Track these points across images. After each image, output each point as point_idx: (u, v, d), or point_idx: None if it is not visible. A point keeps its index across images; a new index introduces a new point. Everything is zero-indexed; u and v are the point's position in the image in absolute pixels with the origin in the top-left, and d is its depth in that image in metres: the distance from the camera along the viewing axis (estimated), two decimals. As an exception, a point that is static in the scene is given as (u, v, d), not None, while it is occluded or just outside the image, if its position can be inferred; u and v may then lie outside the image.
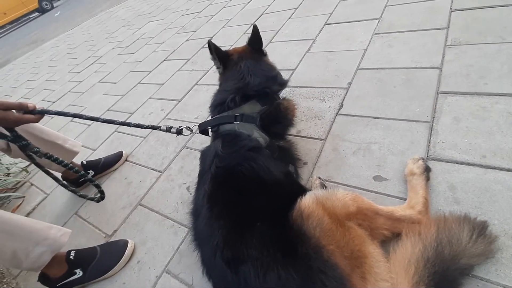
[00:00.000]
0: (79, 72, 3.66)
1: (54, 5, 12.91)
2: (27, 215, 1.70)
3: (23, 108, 0.97)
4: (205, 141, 1.52)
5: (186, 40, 2.98)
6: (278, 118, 1.12)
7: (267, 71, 1.17)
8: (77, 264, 1.16)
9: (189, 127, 1.25)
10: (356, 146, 1.20)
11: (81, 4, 10.05)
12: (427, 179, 0.94)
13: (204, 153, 1.07)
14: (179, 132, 1.25)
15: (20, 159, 1.45)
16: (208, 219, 0.82)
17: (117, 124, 1.22)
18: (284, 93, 1.61)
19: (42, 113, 1.01)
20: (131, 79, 2.76)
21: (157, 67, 2.74)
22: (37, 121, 1.01)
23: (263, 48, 1.25)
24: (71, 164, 1.20)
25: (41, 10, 12.41)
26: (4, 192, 1.90)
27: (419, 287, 0.66)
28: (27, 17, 12.68)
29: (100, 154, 1.88)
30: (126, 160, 1.75)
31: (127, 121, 1.26)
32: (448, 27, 1.52)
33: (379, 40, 1.68)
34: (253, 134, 1.01)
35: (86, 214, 1.51)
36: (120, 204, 1.47)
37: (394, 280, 0.69)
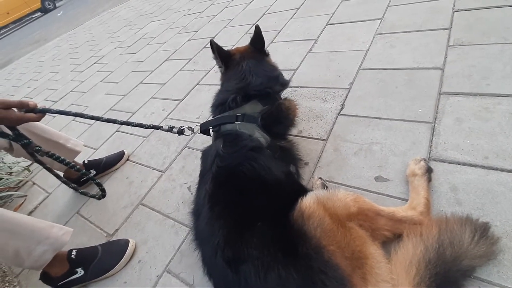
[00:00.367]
0: (81, 71, 3.67)
1: (57, 5, 12.96)
2: (29, 214, 1.71)
3: (23, 106, 0.97)
4: (206, 141, 1.52)
5: (188, 40, 2.99)
6: (279, 118, 1.11)
7: (269, 71, 1.17)
8: (79, 263, 1.16)
9: (190, 127, 1.25)
10: (358, 146, 1.20)
11: (84, 4, 10.08)
12: (429, 180, 0.94)
13: (205, 153, 1.07)
14: (180, 132, 1.25)
15: (22, 158, 1.46)
16: (209, 218, 0.82)
17: (119, 124, 1.22)
18: (285, 93, 1.61)
19: (43, 112, 1.01)
20: (133, 78, 2.77)
21: (159, 67, 2.74)
22: (39, 119, 1.01)
23: (265, 48, 1.24)
24: (72, 163, 1.20)
25: (44, 10, 12.45)
26: (7, 191, 1.91)
27: (421, 286, 0.66)
28: (30, 16, 12.73)
29: (102, 153, 1.89)
30: (127, 159, 1.76)
31: (128, 120, 1.26)
32: (451, 27, 1.51)
33: (381, 41, 1.67)
34: (254, 134, 1.01)
35: (87, 213, 1.51)
36: (121, 204, 1.47)
37: (395, 281, 0.68)
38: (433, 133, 1.10)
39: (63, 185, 1.74)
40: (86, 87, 3.13)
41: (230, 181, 0.89)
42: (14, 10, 11.51)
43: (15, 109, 0.96)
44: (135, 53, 3.36)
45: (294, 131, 1.38)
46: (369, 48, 1.66)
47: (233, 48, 1.28)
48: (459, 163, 0.98)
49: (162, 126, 1.26)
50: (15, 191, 1.93)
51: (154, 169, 1.60)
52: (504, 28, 1.35)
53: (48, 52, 5.63)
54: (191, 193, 1.34)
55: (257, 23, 2.60)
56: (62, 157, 1.13)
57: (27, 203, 1.81)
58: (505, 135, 0.99)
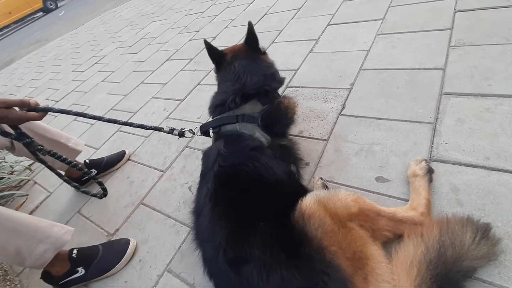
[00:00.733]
0: (83, 71, 3.68)
1: (59, 4, 13.00)
2: (30, 213, 1.71)
3: (25, 105, 0.97)
4: (207, 141, 1.52)
5: (189, 40, 2.99)
6: (279, 117, 1.10)
7: (264, 69, 1.15)
8: (79, 262, 1.16)
9: (191, 129, 1.24)
10: (359, 147, 1.19)
11: (85, 4, 10.11)
12: (430, 180, 0.93)
13: (206, 153, 1.07)
14: (181, 134, 1.24)
15: (24, 157, 1.46)
16: (211, 218, 0.81)
17: (120, 124, 1.22)
18: (286, 93, 1.61)
19: (45, 110, 1.01)
20: (134, 78, 2.77)
21: (160, 67, 2.74)
22: (40, 118, 1.01)
23: (260, 46, 1.22)
24: (74, 162, 1.20)
25: (46, 10, 12.49)
26: (8, 190, 1.92)
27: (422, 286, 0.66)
28: (32, 16, 12.78)
29: (103, 153, 1.89)
30: (128, 159, 1.76)
31: (130, 121, 1.26)
32: (452, 28, 1.51)
33: (382, 41, 1.67)
34: (255, 134, 1.00)
35: (88, 212, 1.52)
36: (122, 203, 1.47)
37: (396, 281, 0.68)
38: (434, 133, 1.10)
39: (64, 184, 1.76)
40: (87, 87, 3.14)
41: (232, 181, 0.89)
42: (16, 10, 11.56)
43: (16, 108, 0.96)
44: (136, 53, 3.37)
45: (295, 131, 1.39)
46: (370, 49, 1.66)
47: (228, 48, 1.26)
48: (460, 164, 0.98)
49: (163, 128, 1.26)
50: (17, 190, 1.94)
51: (155, 169, 1.60)
52: (506, 29, 1.35)
53: (50, 52, 5.64)
54: (192, 193, 1.34)
55: (258, 23, 2.60)
56: (64, 156, 1.13)
57: (29, 202, 1.82)
58: (506, 136, 0.99)
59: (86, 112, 1.21)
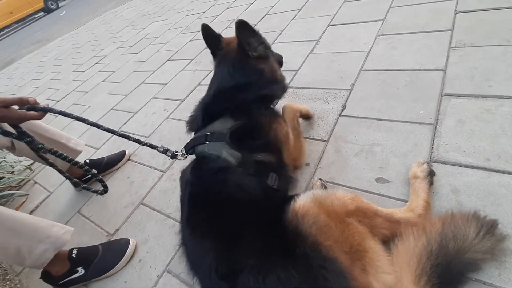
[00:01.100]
0: (83, 71, 3.68)
1: (60, 5, 13.02)
2: (31, 212, 1.71)
3: (23, 103, 0.96)
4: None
5: (190, 40, 3.00)
6: (251, 135, 1.02)
7: (244, 78, 1.05)
8: (79, 262, 1.17)
9: (184, 154, 1.14)
10: (359, 147, 1.19)
11: (86, 4, 10.13)
12: (431, 183, 0.93)
13: (182, 175, 1.04)
14: (173, 156, 1.18)
15: (24, 157, 1.46)
16: (194, 244, 0.82)
17: (118, 135, 1.19)
18: (287, 94, 1.60)
19: (45, 110, 1.01)
20: (135, 78, 2.78)
21: (160, 67, 2.75)
22: (40, 117, 1.01)
23: (252, 49, 1.08)
24: (75, 160, 1.20)
25: (47, 10, 12.52)
26: (8, 190, 1.92)
27: (422, 279, 0.66)
28: (33, 16, 12.80)
29: (103, 153, 1.89)
30: (129, 159, 1.76)
31: (128, 134, 1.22)
32: (453, 29, 1.51)
33: (383, 42, 1.67)
34: (222, 155, 0.94)
35: (88, 212, 1.52)
36: (122, 203, 1.47)
37: (397, 273, 0.69)
38: (434, 134, 1.10)
39: (64, 184, 1.76)
40: (88, 86, 3.14)
41: (204, 205, 0.88)
42: (17, 9, 11.59)
43: (16, 107, 0.96)
44: (137, 53, 3.37)
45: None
46: (370, 49, 1.66)
47: (229, 37, 1.16)
48: (460, 165, 0.98)
49: (158, 147, 1.21)
50: (17, 190, 1.94)
51: (155, 169, 1.60)
52: (507, 30, 1.35)
53: (51, 52, 5.65)
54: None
55: (258, 23, 2.61)
56: (65, 155, 1.12)
57: (29, 202, 1.82)
58: (507, 137, 0.99)
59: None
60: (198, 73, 2.34)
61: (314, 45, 1.95)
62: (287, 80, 1.69)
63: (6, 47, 8.98)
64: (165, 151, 1.19)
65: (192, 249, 0.83)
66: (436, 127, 1.12)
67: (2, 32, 12.19)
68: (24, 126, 1.05)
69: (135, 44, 3.70)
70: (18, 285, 1.34)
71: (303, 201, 0.80)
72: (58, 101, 3.14)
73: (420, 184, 0.92)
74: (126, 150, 1.77)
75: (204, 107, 1.07)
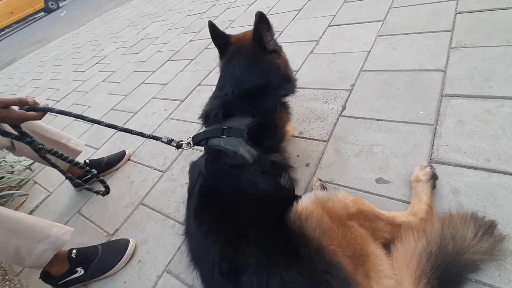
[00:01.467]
0: (84, 71, 3.68)
1: (60, 5, 13.03)
2: (30, 212, 1.71)
3: (23, 104, 0.96)
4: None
5: (190, 41, 3.00)
6: (267, 133, 1.02)
7: (263, 74, 1.02)
8: (79, 262, 1.16)
9: (189, 142, 1.16)
10: (359, 148, 1.19)
11: (87, 4, 10.13)
12: (433, 186, 0.92)
13: (193, 167, 1.03)
14: (179, 146, 1.19)
15: (24, 157, 1.46)
16: (200, 237, 0.81)
17: (119, 130, 1.19)
18: (288, 105, 1.59)
19: (44, 110, 1.00)
20: (135, 79, 2.78)
21: (160, 67, 2.75)
22: (40, 118, 1.01)
23: (268, 43, 1.04)
24: (75, 161, 1.20)
25: (47, 10, 12.52)
26: (8, 190, 1.92)
27: (421, 281, 0.66)
28: (33, 16, 12.80)
29: (103, 153, 1.89)
30: (128, 159, 1.76)
31: (130, 128, 1.21)
32: (453, 29, 1.51)
33: (383, 42, 1.67)
34: (239, 151, 0.93)
35: (88, 212, 1.52)
36: (122, 203, 1.47)
37: (397, 276, 0.69)
38: (434, 135, 1.10)
39: (64, 184, 1.76)
40: (88, 86, 3.14)
41: (215, 199, 0.88)
42: (18, 9, 11.59)
43: (16, 108, 0.96)
44: (137, 53, 3.37)
45: (295, 132, 1.39)
46: (370, 50, 1.66)
47: (241, 33, 1.14)
48: (460, 166, 0.98)
49: (161, 138, 1.20)
50: (17, 190, 1.94)
51: (155, 169, 1.60)
52: (507, 30, 1.35)
53: (51, 52, 5.65)
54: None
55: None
56: (65, 155, 1.12)
57: (28, 202, 1.82)
58: (507, 138, 0.99)
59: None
60: (198, 73, 2.34)
61: (314, 45, 1.95)
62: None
63: (6, 47, 8.99)
64: (169, 142, 1.19)
65: (197, 242, 0.82)
66: (436, 127, 1.12)
67: (2, 32, 12.19)
68: (24, 126, 1.05)
69: (135, 44, 3.71)
70: (18, 285, 1.33)
71: (305, 202, 0.80)
72: (58, 101, 3.14)
73: (422, 188, 0.91)
74: (126, 150, 1.77)
75: (223, 102, 1.02)
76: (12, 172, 2.13)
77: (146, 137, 1.23)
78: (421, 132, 1.13)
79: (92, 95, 2.91)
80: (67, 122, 2.56)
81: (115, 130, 2.05)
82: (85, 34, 5.73)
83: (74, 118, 2.52)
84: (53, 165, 1.23)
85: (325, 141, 1.30)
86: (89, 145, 2.03)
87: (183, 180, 1.44)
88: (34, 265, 1.09)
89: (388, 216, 0.83)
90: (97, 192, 1.33)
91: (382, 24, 1.82)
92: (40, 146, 1.04)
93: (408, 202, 0.94)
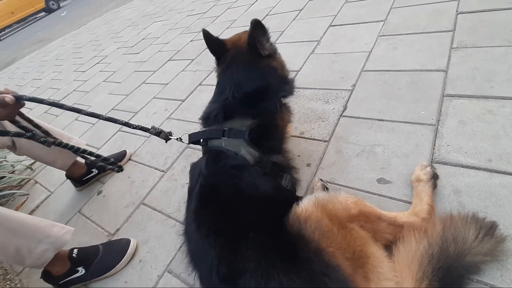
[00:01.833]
0: (84, 71, 3.69)
1: (61, 5, 13.05)
2: (31, 212, 1.71)
3: (1, 105, 0.94)
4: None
5: (191, 41, 3.00)
6: (268, 134, 1.02)
7: (260, 78, 1.03)
8: (80, 262, 1.16)
9: (180, 137, 1.17)
10: (360, 148, 1.19)
11: (87, 4, 10.14)
12: (434, 186, 0.92)
13: (193, 168, 1.03)
14: (167, 138, 1.17)
15: (25, 156, 1.46)
16: (198, 238, 0.81)
17: (103, 119, 1.17)
18: (288, 106, 1.59)
19: (17, 98, 0.99)
20: (136, 78, 2.78)
21: (161, 67, 2.75)
22: (21, 106, 1.01)
23: (263, 48, 1.05)
24: (82, 148, 1.19)
25: (48, 10, 12.54)
26: (9, 189, 1.92)
27: (422, 283, 0.66)
28: (34, 16, 12.82)
29: (104, 153, 1.88)
30: (129, 159, 1.76)
31: (115, 118, 1.21)
32: (454, 29, 1.51)
33: (384, 42, 1.67)
34: (240, 152, 0.93)
35: (89, 212, 1.52)
36: (123, 203, 1.47)
37: (398, 278, 0.68)
38: (436, 135, 1.10)
39: (65, 184, 1.76)
40: (89, 86, 3.15)
41: (215, 200, 0.87)
42: (19, 9, 11.61)
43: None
44: (138, 53, 3.37)
45: (296, 132, 1.39)
46: (372, 50, 1.66)
47: (236, 35, 1.15)
48: (462, 166, 0.98)
49: (150, 129, 1.19)
50: (18, 190, 1.94)
51: (156, 169, 1.60)
52: (508, 31, 1.35)
53: (52, 52, 5.66)
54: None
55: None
56: (70, 144, 1.11)
57: (29, 202, 1.82)
58: (509, 138, 0.98)
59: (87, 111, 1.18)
60: (199, 73, 2.34)
61: (315, 45, 1.95)
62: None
63: (7, 47, 9.00)
64: (157, 133, 1.19)
65: (196, 243, 0.81)
66: (437, 127, 1.12)
67: (3, 32, 12.21)
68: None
69: (136, 44, 3.71)
70: (19, 285, 1.34)
71: (305, 205, 0.80)
72: (59, 101, 3.15)
73: (423, 188, 0.91)
74: (127, 150, 1.77)
75: (223, 105, 1.02)
76: (13, 172, 2.13)
77: (133, 128, 1.22)
78: (422, 132, 1.13)
79: (93, 95, 2.92)
80: (68, 122, 2.57)
81: (116, 130, 2.08)
82: (86, 34, 5.73)
83: (75, 118, 2.54)
84: (70, 147, 1.22)
85: (326, 141, 1.29)
86: (90, 145, 2.03)
87: (184, 180, 1.44)
88: (35, 265, 1.10)
89: (389, 217, 0.83)
90: (112, 169, 1.31)
91: (383, 24, 1.82)
92: (43, 139, 1.04)
93: (410, 202, 0.94)
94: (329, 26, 2.08)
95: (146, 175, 1.58)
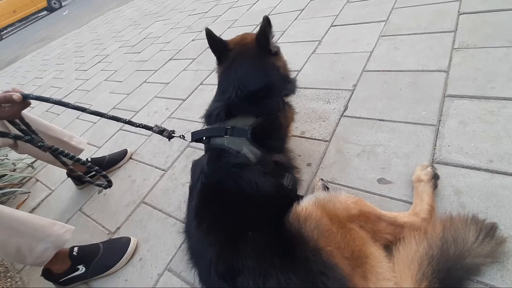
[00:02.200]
0: (86, 70, 3.69)
1: (63, 4, 13.06)
2: (32, 210, 1.72)
3: (8, 101, 0.93)
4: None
5: (192, 40, 3.00)
6: (271, 133, 1.02)
7: (266, 76, 1.03)
8: (80, 260, 1.17)
9: (183, 135, 1.18)
10: (361, 148, 1.19)
11: (89, 3, 10.15)
12: (435, 186, 0.92)
13: (194, 165, 1.04)
14: (170, 137, 1.18)
15: (26, 155, 1.47)
16: (198, 236, 0.81)
17: (107, 118, 1.18)
18: (290, 104, 1.59)
19: (29, 98, 0.99)
20: (137, 78, 2.78)
21: (162, 67, 2.75)
22: (28, 105, 1.01)
23: (271, 46, 1.06)
24: (77, 157, 1.20)
25: (50, 9, 12.56)
26: (10, 188, 1.93)
27: (422, 284, 0.66)
28: (36, 15, 12.85)
29: (105, 151, 1.89)
30: (130, 158, 1.76)
31: (118, 116, 1.22)
32: (456, 30, 1.51)
33: (386, 43, 1.67)
34: (242, 150, 0.93)
35: (90, 210, 1.52)
36: (123, 202, 1.48)
37: (397, 279, 0.68)
38: (437, 135, 1.10)
39: (66, 182, 1.77)
40: (90, 85, 3.15)
41: (216, 197, 0.88)
42: (21, 8, 11.63)
43: (4, 105, 0.94)
44: (139, 53, 3.38)
45: (297, 132, 1.39)
46: (373, 50, 1.66)
47: (238, 36, 1.16)
48: (463, 166, 0.97)
49: (153, 127, 1.20)
50: (19, 188, 1.95)
51: (156, 167, 1.60)
52: (510, 31, 1.34)
53: (53, 51, 5.67)
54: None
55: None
56: (66, 152, 1.11)
57: (30, 200, 1.82)
58: (510, 139, 0.98)
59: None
60: (200, 72, 2.34)
61: (317, 45, 1.95)
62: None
63: (9, 46, 9.02)
64: (160, 132, 1.19)
65: (196, 240, 0.82)
66: (438, 128, 1.12)
67: (5, 31, 12.23)
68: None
69: (137, 44, 3.71)
70: (19, 282, 1.34)
71: (305, 204, 0.80)
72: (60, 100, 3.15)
73: (424, 188, 0.91)
74: (127, 149, 1.77)
75: (226, 103, 1.02)
76: (14, 170, 2.14)
77: (136, 126, 1.22)
78: (423, 132, 1.13)
79: (94, 93, 2.92)
80: (69, 120, 2.57)
81: (117, 129, 2.08)
82: (87, 33, 5.74)
83: (76, 117, 2.55)
84: (64, 163, 1.22)
85: (327, 141, 1.29)
86: (91, 144, 2.03)
87: (185, 179, 1.44)
88: (35, 263, 1.10)
89: (390, 217, 0.83)
90: (99, 185, 1.33)
91: (385, 24, 1.82)
92: (40, 144, 1.04)
93: (410, 203, 0.94)
94: (331, 26, 2.08)
95: (146, 174, 1.59)
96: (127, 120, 1.21)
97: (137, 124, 1.22)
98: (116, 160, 1.72)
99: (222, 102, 1.03)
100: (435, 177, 0.93)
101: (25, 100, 0.99)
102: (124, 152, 1.75)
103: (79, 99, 2.95)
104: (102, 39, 4.78)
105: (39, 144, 1.04)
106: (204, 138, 1.04)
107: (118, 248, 1.20)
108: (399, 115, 1.24)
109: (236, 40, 1.13)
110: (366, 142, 1.20)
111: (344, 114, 1.37)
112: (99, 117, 1.21)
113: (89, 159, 1.68)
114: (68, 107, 1.12)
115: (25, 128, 1.04)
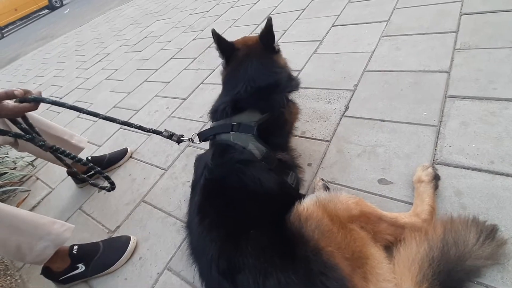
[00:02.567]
0: (87, 69, 3.69)
1: (64, 2, 13.07)
2: (32, 208, 1.72)
3: (9, 97, 0.91)
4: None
5: (193, 39, 3.00)
6: (276, 129, 1.04)
7: (272, 74, 1.06)
8: (80, 258, 1.17)
9: (191, 138, 1.19)
10: (361, 148, 1.19)
11: (90, 2, 10.15)
12: (436, 187, 0.92)
13: (198, 160, 1.04)
14: (179, 141, 1.20)
15: (26, 153, 1.47)
16: (200, 232, 0.81)
17: (119, 123, 1.18)
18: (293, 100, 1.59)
19: (36, 100, 0.95)
20: (138, 76, 2.78)
21: (163, 66, 2.75)
22: (35, 108, 0.97)
23: (275, 44, 1.11)
24: (78, 157, 1.20)
25: (51, 7, 12.58)
26: (11, 186, 1.93)
27: (422, 285, 0.66)
28: (37, 13, 12.86)
29: (105, 150, 1.89)
30: (130, 156, 1.76)
31: (130, 121, 1.21)
32: (458, 30, 1.50)
33: (387, 43, 1.66)
34: (248, 146, 0.94)
35: (90, 209, 1.52)
36: (123, 200, 1.48)
37: (397, 280, 0.68)
38: (438, 136, 1.10)
39: (66, 181, 1.77)
40: (91, 84, 3.15)
41: (219, 193, 0.87)
42: (22, 7, 11.65)
43: (6, 102, 0.91)
44: (140, 51, 3.38)
45: (297, 132, 1.38)
46: (374, 50, 1.66)
47: (239, 39, 1.19)
48: (464, 167, 0.97)
49: (162, 132, 1.21)
50: (19, 186, 1.95)
51: (157, 166, 1.60)
52: (512, 32, 1.34)
53: (54, 49, 5.67)
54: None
55: (262, 23, 2.60)
56: (67, 151, 1.11)
57: (30, 198, 1.83)
58: (511, 140, 0.98)
59: (88, 110, 1.17)
60: (200, 71, 2.34)
61: (318, 45, 1.95)
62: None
63: (10, 44, 9.03)
64: (169, 136, 1.21)
65: (198, 236, 0.81)
66: (439, 129, 1.12)
67: (6, 29, 12.25)
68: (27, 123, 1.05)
69: (138, 42, 3.71)
70: (19, 281, 1.34)
71: (306, 204, 0.80)
72: (61, 98, 3.15)
73: (425, 188, 0.91)
74: (128, 148, 1.77)
75: (233, 98, 1.03)
76: (14, 168, 2.14)
77: (147, 131, 1.22)
78: (424, 133, 1.13)
79: (95, 92, 2.92)
80: (70, 119, 2.57)
81: (118, 128, 2.08)
82: (88, 32, 5.74)
83: (77, 115, 2.55)
84: (67, 165, 1.22)
85: (327, 141, 1.29)
86: (92, 142, 2.03)
87: (185, 178, 1.44)
88: (35, 261, 1.10)
89: (390, 217, 0.82)
90: (103, 188, 1.32)
91: (386, 24, 1.81)
92: (41, 143, 1.04)
93: (411, 203, 0.93)
94: (332, 26, 2.07)
95: (147, 173, 1.59)
96: (138, 125, 1.20)
97: (147, 129, 1.22)
98: (116, 159, 1.72)
99: (229, 97, 1.05)
100: (436, 178, 0.93)
101: (36, 104, 0.96)
102: (125, 151, 1.75)
103: (80, 98, 2.95)
104: (103, 37, 4.78)
105: (40, 144, 1.04)
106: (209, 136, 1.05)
107: (118, 247, 1.20)
108: (400, 115, 1.24)
109: (241, 41, 1.17)
110: (367, 142, 1.20)
111: (345, 114, 1.37)
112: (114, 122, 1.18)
113: (90, 158, 1.68)
114: (83, 112, 1.09)
115: (26, 127, 1.03)
